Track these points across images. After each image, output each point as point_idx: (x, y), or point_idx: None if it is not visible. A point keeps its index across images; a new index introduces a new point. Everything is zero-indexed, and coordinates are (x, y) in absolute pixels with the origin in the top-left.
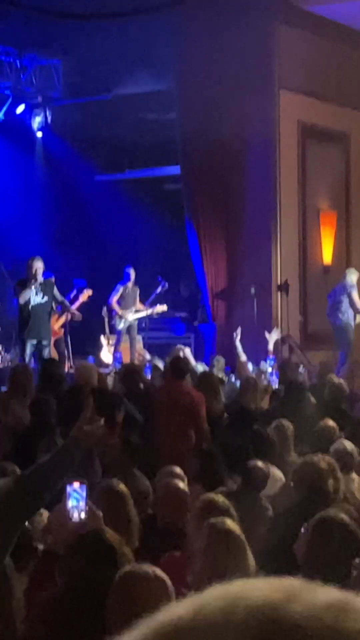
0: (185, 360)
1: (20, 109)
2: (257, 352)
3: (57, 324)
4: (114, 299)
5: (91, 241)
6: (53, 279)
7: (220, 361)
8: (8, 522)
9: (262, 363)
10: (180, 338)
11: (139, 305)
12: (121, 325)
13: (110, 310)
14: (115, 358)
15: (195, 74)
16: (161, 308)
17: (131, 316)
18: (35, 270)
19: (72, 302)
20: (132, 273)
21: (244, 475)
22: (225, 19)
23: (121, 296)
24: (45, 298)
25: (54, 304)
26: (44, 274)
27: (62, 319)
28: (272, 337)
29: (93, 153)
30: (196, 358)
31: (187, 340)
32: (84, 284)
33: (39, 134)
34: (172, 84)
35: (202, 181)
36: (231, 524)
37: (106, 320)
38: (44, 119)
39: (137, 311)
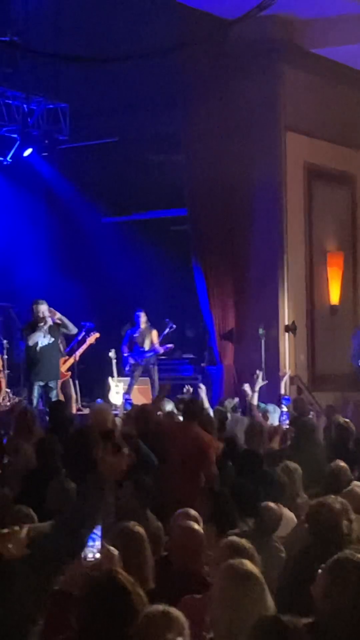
0: (197, 402)
1: (27, 152)
2: (265, 393)
3: (64, 366)
4: (125, 346)
5: (98, 283)
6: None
7: (232, 403)
8: (51, 565)
9: (269, 404)
10: (187, 379)
11: (152, 345)
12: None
13: (124, 358)
14: (125, 401)
15: (201, 116)
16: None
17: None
18: (42, 313)
19: (79, 344)
20: (143, 317)
21: (257, 516)
22: (231, 61)
23: (131, 341)
24: (52, 340)
25: (61, 346)
26: (86, 325)
27: (70, 362)
28: (258, 382)
29: (99, 195)
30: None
31: (194, 382)
32: (92, 327)
33: (52, 168)
34: (178, 126)
35: (209, 223)
36: (251, 565)
37: (114, 362)
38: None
39: (146, 351)
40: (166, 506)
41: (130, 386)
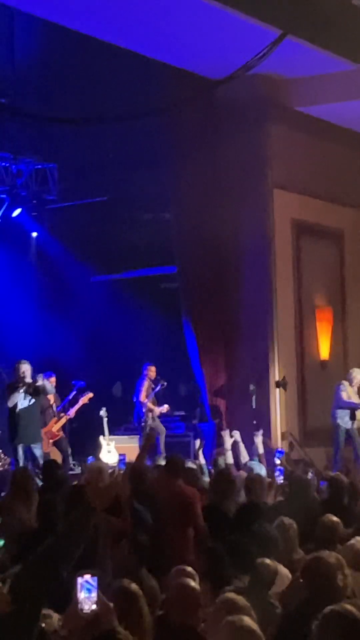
0: (179, 458)
1: (16, 212)
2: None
3: (56, 425)
4: (143, 395)
5: (89, 342)
6: (52, 379)
7: (224, 460)
8: (32, 603)
9: (253, 460)
10: (179, 436)
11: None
12: (151, 421)
13: (134, 408)
14: (120, 459)
15: (190, 175)
16: (164, 408)
17: (157, 411)
18: (23, 373)
19: (71, 403)
20: (151, 370)
21: (252, 572)
22: (219, 120)
23: (147, 394)
24: (33, 401)
25: (54, 406)
26: (45, 374)
27: (62, 421)
28: (259, 439)
29: (89, 254)
30: (195, 457)
31: (186, 439)
32: (83, 385)
33: (35, 233)
34: (167, 185)
35: (198, 280)
36: (250, 621)
37: (105, 421)
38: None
39: (150, 410)
40: (161, 564)
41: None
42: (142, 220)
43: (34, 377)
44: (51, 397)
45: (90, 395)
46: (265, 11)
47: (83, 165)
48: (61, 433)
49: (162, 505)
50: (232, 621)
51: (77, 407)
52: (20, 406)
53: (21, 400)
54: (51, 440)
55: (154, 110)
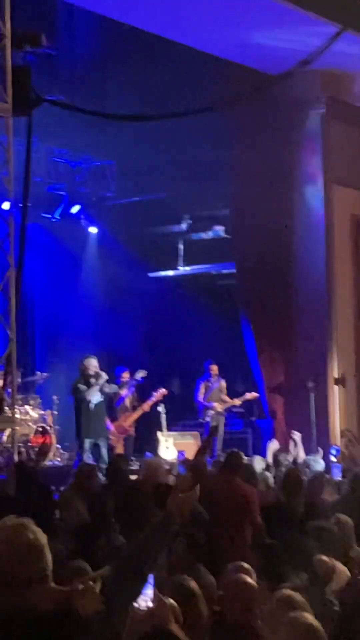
0: (238, 455)
1: (75, 209)
2: (315, 445)
3: (128, 420)
4: (200, 396)
5: (146, 338)
6: (125, 373)
7: (286, 457)
8: (117, 605)
9: (310, 455)
10: (237, 433)
11: (225, 398)
12: (210, 419)
13: (197, 406)
14: (179, 456)
15: (247, 171)
16: (251, 395)
17: (219, 409)
18: (96, 369)
19: (133, 400)
20: (214, 368)
21: (309, 569)
22: (277, 116)
23: (206, 391)
24: (103, 398)
25: (126, 401)
26: (117, 369)
27: (135, 415)
28: (271, 447)
29: (146, 250)
30: (254, 453)
31: (244, 436)
32: (141, 381)
33: (93, 230)
34: (224, 182)
35: (256, 277)
36: (312, 618)
37: (163, 417)
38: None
39: (224, 402)
40: (218, 560)
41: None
42: (200, 216)
43: (100, 372)
44: (123, 392)
45: (164, 391)
46: (324, 6)
47: (141, 162)
48: (132, 428)
49: (220, 502)
50: (295, 617)
51: (151, 402)
52: (93, 401)
53: (94, 396)
54: (122, 435)
55: (213, 106)
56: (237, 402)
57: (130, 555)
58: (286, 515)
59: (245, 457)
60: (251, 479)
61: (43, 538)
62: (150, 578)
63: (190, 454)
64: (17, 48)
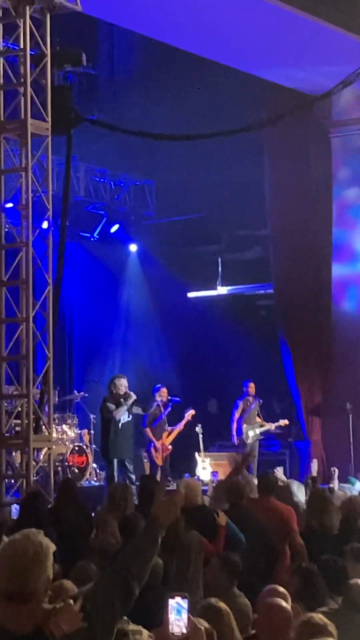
0: (272, 476)
1: (114, 228)
2: (353, 467)
3: (167, 439)
4: (236, 415)
5: (184, 358)
6: (163, 390)
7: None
8: (105, 620)
9: (346, 485)
10: (274, 454)
11: (258, 420)
12: (248, 441)
13: (230, 426)
14: (212, 477)
15: (286, 191)
16: (283, 422)
17: (255, 432)
18: (125, 388)
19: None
20: (251, 386)
21: (345, 594)
22: (317, 137)
23: (243, 411)
24: (131, 417)
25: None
26: (155, 388)
27: (174, 434)
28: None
29: (185, 270)
30: (292, 475)
31: (281, 457)
32: (179, 401)
33: (133, 248)
34: (263, 201)
35: (294, 297)
36: None
37: (200, 437)
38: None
39: (261, 426)
40: (255, 583)
41: None
42: (239, 237)
43: (130, 391)
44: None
45: (193, 412)
46: None
47: (181, 182)
48: (171, 447)
49: (256, 523)
50: None
51: (184, 422)
52: (122, 420)
53: (124, 415)
54: (164, 454)
55: (252, 126)
56: (271, 427)
57: (112, 567)
58: (316, 537)
59: (284, 479)
60: (289, 501)
61: (48, 553)
62: (185, 602)
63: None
64: (57, 67)
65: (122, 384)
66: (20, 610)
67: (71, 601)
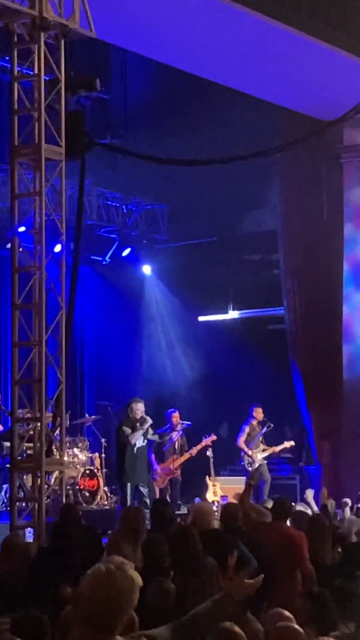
0: (286, 501)
1: (126, 252)
2: None
3: (175, 463)
4: (241, 439)
5: (195, 381)
6: (176, 414)
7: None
8: None
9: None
10: (285, 479)
11: (262, 445)
12: (251, 467)
13: (239, 451)
14: (223, 499)
15: (299, 215)
16: (289, 444)
17: (260, 456)
18: (142, 413)
19: (176, 445)
20: (258, 412)
21: (357, 619)
22: (330, 162)
23: (249, 435)
24: (146, 442)
25: (176, 443)
26: (168, 412)
27: (182, 459)
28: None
29: (196, 294)
30: (302, 500)
31: (292, 482)
32: (189, 426)
33: (147, 270)
34: (275, 226)
35: (306, 321)
36: None
37: (211, 461)
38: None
39: (264, 450)
40: (267, 608)
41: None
42: (251, 261)
43: (146, 416)
44: (173, 434)
45: (214, 437)
46: None
47: (193, 206)
48: (179, 472)
49: (269, 548)
50: None
51: (199, 446)
52: (137, 445)
53: (138, 439)
54: (168, 477)
55: (264, 151)
56: (276, 449)
57: (187, 625)
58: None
59: (294, 504)
60: (301, 526)
61: (137, 589)
62: None
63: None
64: (71, 93)
65: (139, 408)
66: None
67: (145, 638)
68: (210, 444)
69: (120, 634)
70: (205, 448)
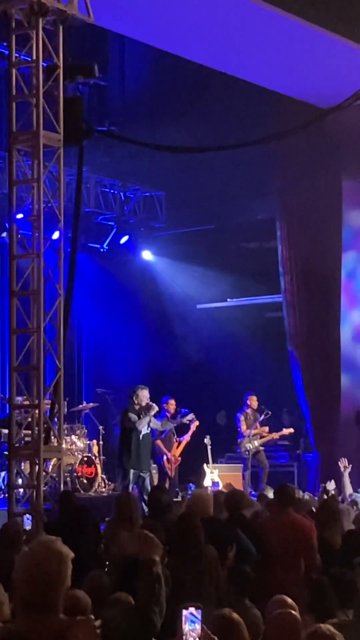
0: (290, 488)
1: (123, 239)
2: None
3: (177, 451)
4: (243, 428)
5: (193, 369)
6: (171, 401)
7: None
8: None
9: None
10: (283, 466)
11: (260, 430)
12: (248, 454)
13: (237, 438)
14: (213, 485)
15: (296, 204)
16: (287, 431)
17: (253, 444)
18: (148, 400)
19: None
20: (252, 400)
21: (356, 606)
22: (328, 149)
23: (249, 425)
24: (150, 429)
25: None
26: (164, 398)
27: (182, 446)
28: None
29: (195, 281)
30: (300, 487)
31: (290, 469)
32: (188, 413)
33: (148, 255)
34: (273, 214)
35: (304, 309)
36: None
37: (209, 449)
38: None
39: (261, 437)
40: (265, 595)
41: (244, 470)
42: (249, 248)
43: (151, 403)
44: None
45: (197, 423)
46: None
47: (191, 193)
48: (180, 459)
49: (273, 536)
50: None
51: (190, 432)
52: (143, 432)
53: (145, 427)
54: (175, 465)
55: (262, 138)
56: (275, 436)
57: (140, 605)
58: (324, 548)
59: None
60: (305, 512)
61: (68, 563)
62: (198, 613)
63: (235, 485)
64: (69, 79)
65: (144, 395)
66: (40, 621)
67: (92, 616)
68: (195, 429)
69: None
70: (198, 434)
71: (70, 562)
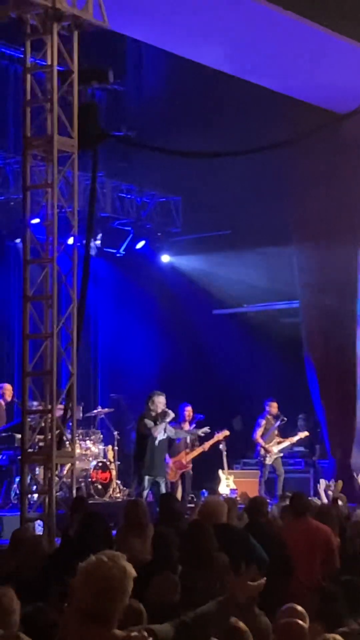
0: (303, 496)
1: (140, 244)
2: None
3: (187, 457)
4: (258, 433)
5: (209, 374)
6: (188, 408)
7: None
8: None
9: None
10: (298, 473)
11: (279, 439)
12: (268, 461)
13: (255, 445)
14: (231, 493)
15: (313, 209)
16: (303, 434)
17: (276, 449)
18: (164, 406)
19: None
20: (273, 406)
21: None
22: (344, 154)
23: (265, 430)
24: (166, 435)
25: (188, 437)
26: (181, 405)
27: (195, 453)
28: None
29: (211, 287)
30: (314, 494)
31: (305, 475)
32: (202, 418)
33: (167, 259)
34: (289, 219)
35: (320, 315)
36: None
37: (224, 455)
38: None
39: (279, 443)
40: (276, 603)
41: (261, 477)
42: (265, 253)
43: (167, 409)
44: (185, 427)
45: (227, 432)
46: None
47: (207, 198)
48: (190, 465)
49: (290, 544)
50: None
51: (212, 441)
52: (159, 438)
53: (160, 433)
54: (179, 471)
55: (279, 143)
56: (293, 439)
57: (191, 624)
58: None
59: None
60: (324, 521)
61: (131, 579)
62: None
63: (251, 493)
64: (84, 84)
65: (161, 401)
66: (95, 632)
67: (146, 634)
68: (223, 438)
69: (125, 626)
70: (218, 442)
71: (132, 580)
